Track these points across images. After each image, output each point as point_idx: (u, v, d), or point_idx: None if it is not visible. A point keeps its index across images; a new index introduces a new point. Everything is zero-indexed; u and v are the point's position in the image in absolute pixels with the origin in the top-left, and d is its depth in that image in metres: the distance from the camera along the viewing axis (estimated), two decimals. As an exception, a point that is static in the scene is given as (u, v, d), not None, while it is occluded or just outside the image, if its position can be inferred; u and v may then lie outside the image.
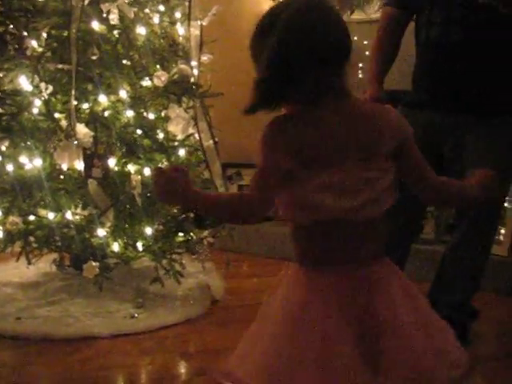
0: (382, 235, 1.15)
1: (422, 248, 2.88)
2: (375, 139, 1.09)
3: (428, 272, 2.40)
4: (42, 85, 2.38)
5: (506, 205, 2.96)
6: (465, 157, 2.12)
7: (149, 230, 2.41)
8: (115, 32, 2.48)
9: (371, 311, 1.07)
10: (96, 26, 2.41)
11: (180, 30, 2.71)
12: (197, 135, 2.60)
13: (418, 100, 2.19)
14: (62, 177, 2.36)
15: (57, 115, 2.38)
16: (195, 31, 2.65)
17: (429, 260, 2.78)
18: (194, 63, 2.63)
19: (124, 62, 2.49)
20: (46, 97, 2.38)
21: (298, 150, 1.06)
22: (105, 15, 2.44)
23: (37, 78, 2.38)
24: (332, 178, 1.07)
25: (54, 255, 2.61)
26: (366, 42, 3.60)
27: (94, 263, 2.33)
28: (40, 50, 2.41)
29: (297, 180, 1.07)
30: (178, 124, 2.51)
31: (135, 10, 2.52)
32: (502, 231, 2.95)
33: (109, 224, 2.35)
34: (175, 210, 2.49)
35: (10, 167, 2.39)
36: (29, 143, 2.36)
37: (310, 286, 1.10)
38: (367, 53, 3.56)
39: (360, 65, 3.65)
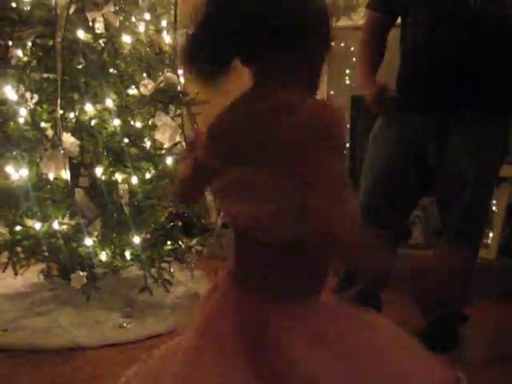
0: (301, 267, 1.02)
1: (410, 253, 2.88)
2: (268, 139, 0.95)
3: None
4: (28, 94, 2.37)
5: (493, 208, 2.98)
6: (449, 158, 2.12)
7: (137, 239, 2.40)
8: (101, 41, 2.48)
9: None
10: (81, 34, 2.41)
11: (166, 38, 2.71)
12: (184, 143, 2.59)
13: (403, 102, 2.18)
14: (48, 186, 2.35)
15: (43, 124, 2.38)
16: (181, 39, 2.65)
17: (417, 265, 2.79)
18: (180, 71, 2.63)
19: (110, 70, 2.49)
20: (32, 106, 2.38)
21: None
22: (90, 24, 2.43)
23: (22, 88, 2.38)
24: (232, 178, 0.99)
25: (42, 265, 2.59)
26: (352, 49, 3.63)
27: (81, 273, 2.31)
28: (25, 59, 2.40)
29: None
30: (165, 132, 2.51)
31: (121, 18, 2.52)
32: (490, 235, 2.96)
33: (96, 233, 2.34)
34: (163, 219, 2.49)
35: (-5, 177, 2.38)
36: (15, 153, 2.35)
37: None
38: (354, 59, 3.61)
39: (347, 71, 3.68)
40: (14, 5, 2.38)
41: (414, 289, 1.10)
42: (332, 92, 3.76)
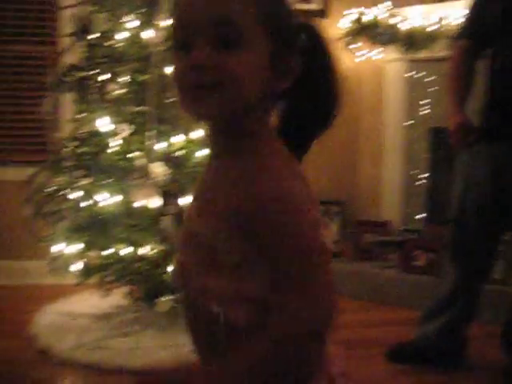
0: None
1: (491, 288, 2.81)
2: None
3: (498, 314, 2.35)
4: (121, 126, 2.51)
5: None
6: None
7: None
8: (190, 75, 2.59)
9: None
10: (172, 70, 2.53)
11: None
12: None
13: (486, 131, 2.17)
14: (137, 213, 2.46)
15: (134, 155, 2.51)
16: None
17: (499, 301, 2.72)
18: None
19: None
20: (125, 137, 2.51)
21: None
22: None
23: (116, 120, 2.52)
24: None
25: (127, 288, 2.71)
26: (430, 79, 3.62)
27: (167, 297, 2.40)
28: (119, 93, 2.55)
29: None
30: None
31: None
32: None
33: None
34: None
35: (89, 204, 2.52)
36: (107, 181, 2.49)
37: None
38: (431, 89, 3.60)
39: (421, 102, 3.66)
40: (111, 43, 2.54)
41: None
42: (409, 123, 3.75)
